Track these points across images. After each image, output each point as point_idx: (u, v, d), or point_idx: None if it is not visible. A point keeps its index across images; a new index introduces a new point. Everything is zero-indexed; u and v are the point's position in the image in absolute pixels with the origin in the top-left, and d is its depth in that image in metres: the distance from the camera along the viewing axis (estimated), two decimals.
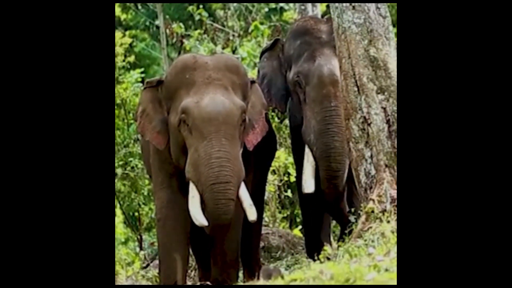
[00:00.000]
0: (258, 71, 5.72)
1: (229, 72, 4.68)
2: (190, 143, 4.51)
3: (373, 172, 4.44)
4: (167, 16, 11.15)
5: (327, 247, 4.21)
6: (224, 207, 4.41)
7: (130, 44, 8.63)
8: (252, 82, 4.98)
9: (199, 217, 4.47)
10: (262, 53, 5.70)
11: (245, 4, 11.12)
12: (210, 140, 4.43)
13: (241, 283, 5.16)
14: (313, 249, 5.39)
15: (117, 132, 7.38)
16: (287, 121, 7.45)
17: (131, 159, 7.38)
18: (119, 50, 7.64)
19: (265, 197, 7.14)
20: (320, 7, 8.37)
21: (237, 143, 4.54)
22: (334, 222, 7.71)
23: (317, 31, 5.34)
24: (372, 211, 4.28)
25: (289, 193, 7.66)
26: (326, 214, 5.69)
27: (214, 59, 4.77)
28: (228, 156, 4.42)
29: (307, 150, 5.17)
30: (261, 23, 9.70)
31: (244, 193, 4.56)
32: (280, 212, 7.68)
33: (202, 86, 4.57)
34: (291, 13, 11.02)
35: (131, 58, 7.88)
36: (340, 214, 5.14)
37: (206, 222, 4.45)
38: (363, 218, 4.35)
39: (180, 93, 4.61)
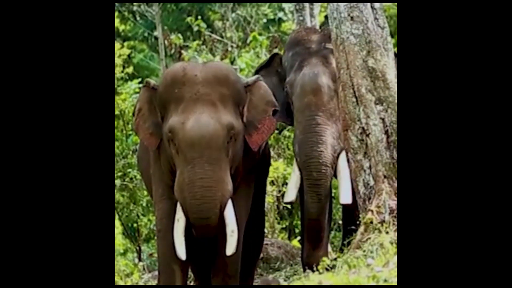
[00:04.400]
0: None
1: (218, 85, 4.64)
2: (177, 163, 4.57)
3: (371, 183, 4.45)
4: (166, 27, 11.18)
5: (326, 258, 4.21)
6: (205, 234, 4.53)
7: (129, 55, 8.65)
8: (253, 82, 4.91)
9: (179, 249, 4.57)
10: (257, 71, 5.67)
11: (243, 15, 11.15)
12: (193, 166, 4.46)
13: None
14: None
15: (116, 143, 7.38)
16: (286, 132, 7.47)
17: (129, 170, 7.38)
18: (117, 61, 7.65)
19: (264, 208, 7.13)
20: (319, 18, 8.39)
21: (222, 163, 4.52)
22: (332, 233, 7.71)
23: (307, 41, 5.33)
24: (371, 222, 4.29)
25: (287, 204, 7.64)
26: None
27: (204, 70, 4.71)
28: (210, 183, 4.45)
29: (294, 160, 5.17)
30: (260, 34, 9.71)
31: (229, 216, 4.56)
32: (279, 223, 7.67)
33: (190, 102, 4.57)
34: (290, 24, 11.06)
35: (130, 69, 7.90)
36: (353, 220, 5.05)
37: (184, 256, 4.56)
38: (361, 228, 4.35)
39: (170, 108, 4.63)
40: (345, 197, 4.93)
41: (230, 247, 4.56)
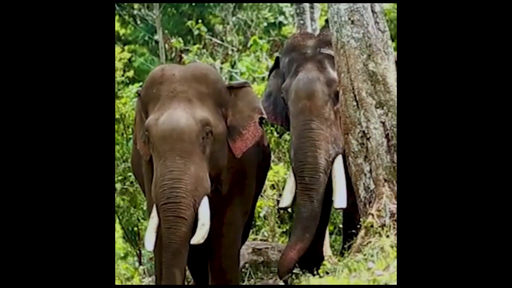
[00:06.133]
0: (265, 89, 5.74)
1: (196, 83, 4.58)
2: (154, 160, 4.50)
3: (372, 186, 4.45)
4: (166, 31, 11.19)
5: (326, 262, 4.20)
6: (173, 226, 4.33)
7: (129, 59, 8.65)
8: (240, 87, 4.84)
9: (147, 241, 4.45)
10: (271, 71, 5.71)
11: (244, 18, 11.16)
12: (165, 160, 4.36)
13: None
14: (310, 260, 5.31)
15: (116, 147, 7.37)
16: (286, 136, 7.47)
17: (130, 174, 7.37)
18: (118, 65, 7.64)
19: (264, 212, 7.12)
20: (319, 22, 8.39)
21: (196, 158, 4.41)
22: (333, 237, 7.71)
23: (303, 47, 5.33)
24: (371, 226, 4.29)
25: (283, 209, 7.61)
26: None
27: (183, 70, 4.68)
28: (180, 176, 4.33)
29: (290, 165, 5.18)
30: (260, 38, 9.73)
31: (202, 212, 4.42)
32: (279, 227, 7.66)
33: (166, 100, 4.51)
34: (290, 27, 11.06)
35: (130, 73, 7.89)
36: (353, 224, 5.02)
37: (151, 247, 4.43)
38: (362, 232, 4.35)
39: (150, 108, 4.59)
40: (340, 202, 4.92)
41: (196, 237, 4.39)
